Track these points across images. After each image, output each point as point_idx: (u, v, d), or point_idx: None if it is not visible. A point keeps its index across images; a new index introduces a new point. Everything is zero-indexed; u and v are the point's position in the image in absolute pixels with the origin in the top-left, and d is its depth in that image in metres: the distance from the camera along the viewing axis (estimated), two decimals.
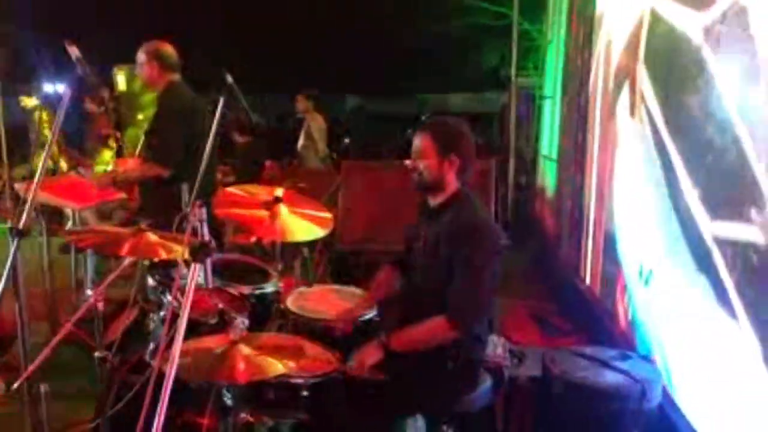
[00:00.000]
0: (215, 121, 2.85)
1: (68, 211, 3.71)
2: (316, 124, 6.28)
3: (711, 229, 2.31)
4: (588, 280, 4.16)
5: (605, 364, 2.47)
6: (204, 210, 1.64)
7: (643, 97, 3.16)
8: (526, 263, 6.04)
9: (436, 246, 2.23)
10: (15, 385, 1.74)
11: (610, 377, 2.40)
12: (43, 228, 3.51)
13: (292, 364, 1.77)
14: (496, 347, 3.02)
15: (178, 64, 3.40)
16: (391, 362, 2.12)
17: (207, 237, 1.59)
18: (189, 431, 2.20)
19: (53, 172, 6.69)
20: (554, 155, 5.71)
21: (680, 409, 2.45)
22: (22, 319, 1.96)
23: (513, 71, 7.98)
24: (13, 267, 1.93)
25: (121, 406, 2.11)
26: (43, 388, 2.42)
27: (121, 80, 7.68)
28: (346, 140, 12.40)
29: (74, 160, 4.94)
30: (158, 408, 1.42)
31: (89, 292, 4.40)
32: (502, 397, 2.83)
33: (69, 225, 3.80)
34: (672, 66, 2.83)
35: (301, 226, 2.56)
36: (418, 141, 2.25)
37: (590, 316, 3.86)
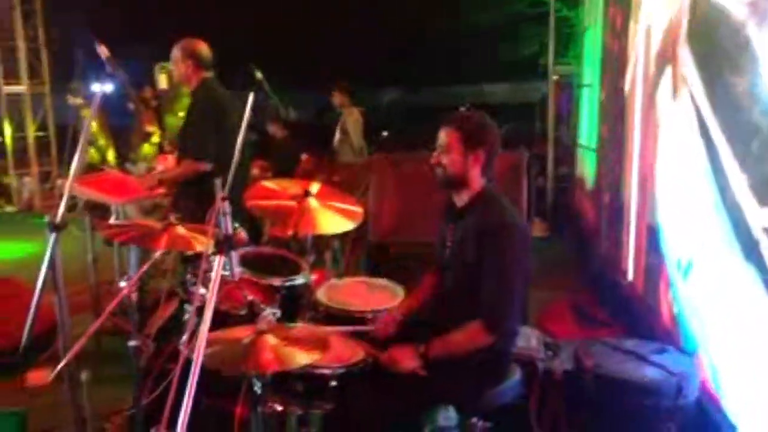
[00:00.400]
0: (245, 117, 2.90)
1: (112, 206, 3.82)
2: (352, 118, 6.29)
3: (760, 217, 2.21)
4: (630, 274, 4.05)
5: (640, 358, 2.41)
6: (228, 204, 1.65)
7: (685, 81, 3.04)
8: (565, 254, 5.95)
9: (462, 247, 2.21)
10: (53, 373, 1.81)
11: (645, 371, 2.33)
12: (87, 222, 3.63)
13: (318, 354, 1.78)
14: (529, 340, 2.99)
15: (211, 62, 3.47)
16: None
17: (230, 230, 1.61)
18: (223, 419, 2.26)
19: (100, 166, 6.94)
20: (593, 145, 5.59)
21: (720, 406, 2.37)
22: (62, 310, 2.02)
23: (550, 59, 7.84)
24: (52, 260, 1.99)
25: (157, 394, 2.18)
26: (84, 375, 2.53)
27: (162, 78, 7.89)
28: (384, 133, 12.43)
29: (120, 155, 5.10)
30: (185, 396, 1.46)
31: (122, 284, 4.55)
32: (536, 390, 2.80)
33: (112, 219, 3.92)
34: (715, 46, 2.70)
35: (331, 219, 2.59)
36: (443, 135, 2.21)
37: (630, 307, 3.76)
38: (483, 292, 2.10)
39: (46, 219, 1.99)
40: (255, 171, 6.00)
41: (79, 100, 7.28)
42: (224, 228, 1.62)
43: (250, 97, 2.91)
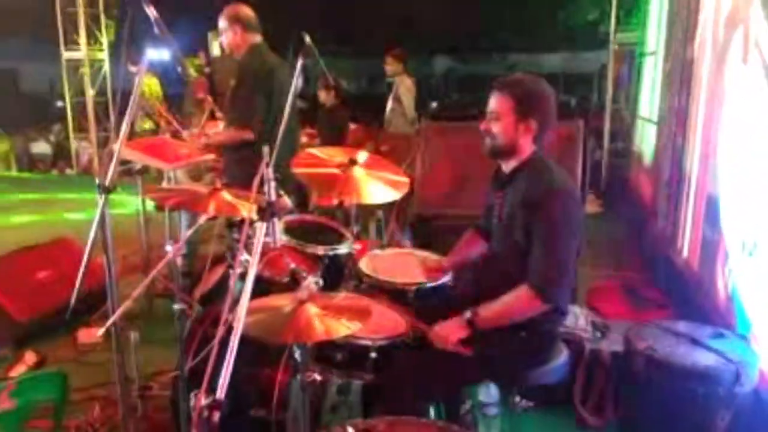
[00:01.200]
0: (293, 84, 2.86)
1: (164, 171, 3.88)
2: (405, 86, 6.18)
3: None
4: (685, 252, 3.88)
5: (696, 342, 2.29)
6: (272, 170, 1.62)
7: (757, 44, 2.84)
8: (619, 232, 5.76)
9: (511, 213, 2.12)
10: (100, 332, 1.84)
11: (700, 357, 2.22)
12: (140, 186, 3.70)
13: (359, 325, 1.75)
14: (577, 319, 2.90)
15: (258, 26, 3.43)
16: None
17: (274, 197, 1.58)
18: (265, 385, 2.29)
19: (154, 132, 7.08)
20: (654, 117, 5.32)
21: None
22: (111, 270, 2.06)
23: (612, 26, 7.49)
24: (102, 221, 2.03)
25: (201, 358, 2.21)
26: (133, 336, 2.60)
27: (216, 45, 7.93)
28: (434, 104, 12.25)
29: (173, 123, 5.17)
30: (225, 362, 1.46)
31: (168, 248, 4.65)
32: (582, 370, 2.72)
33: (164, 183, 3.99)
34: None
35: (376, 189, 2.54)
36: (495, 101, 2.10)
37: (685, 289, 3.60)
38: (532, 259, 2.02)
39: (97, 181, 2.02)
40: (303, 138, 6.01)
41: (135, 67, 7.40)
42: (267, 195, 1.59)
43: (299, 64, 2.87)
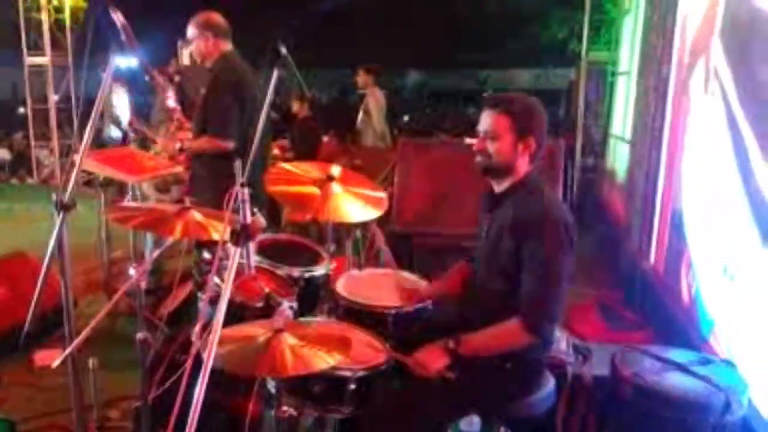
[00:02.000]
0: (267, 95, 2.75)
1: (128, 184, 3.71)
2: (374, 100, 6.11)
3: None
4: (659, 271, 3.90)
5: (683, 369, 2.23)
6: (246, 189, 1.51)
7: (716, 73, 2.89)
8: (591, 250, 5.74)
9: (499, 235, 2.04)
10: (57, 362, 1.69)
11: (689, 384, 2.16)
12: (102, 200, 3.53)
13: (339, 357, 1.65)
14: (559, 342, 2.82)
15: (229, 33, 3.31)
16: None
17: (249, 219, 1.47)
18: (233, 418, 2.14)
19: (123, 143, 6.86)
20: (627, 136, 5.35)
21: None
22: (67, 293, 1.91)
23: (584, 44, 7.56)
24: (59, 240, 1.88)
25: (168, 386, 2.06)
26: (91, 362, 2.43)
27: (186, 53, 7.75)
28: (406, 117, 12.22)
29: (141, 132, 4.99)
30: (195, 394, 1.33)
31: (132, 271, 4.46)
32: (565, 396, 2.64)
33: (128, 198, 3.81)
34: (747, 39, 2.59)
35: (355, 207, 2.44)
36: (491, 120, 2.01)
37: (657, 306, 3.61)
38: (524, 289, 1.94)
39: (53, 198, 1.87)
40: (275, 151, 5.88)
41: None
42: (242, 216, 1.48)
43: (274, 74, 2.75)
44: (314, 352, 1.59)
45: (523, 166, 2.05)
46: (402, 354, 2.00)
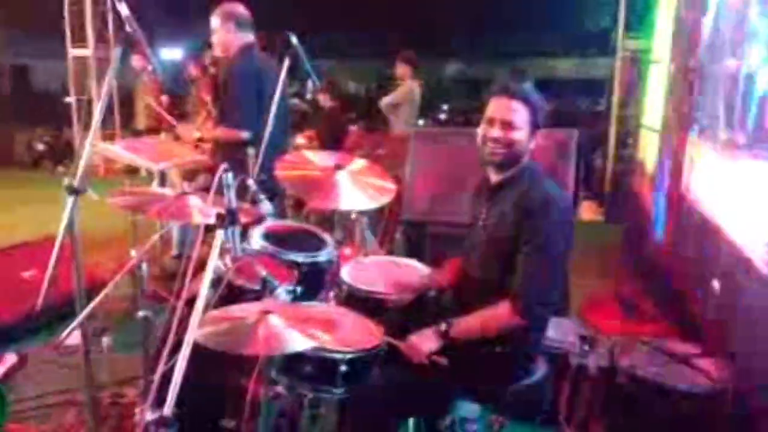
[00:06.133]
0: (279, 85, 2.82)
1: (154, 170, 3.84)
2: (403, 89, 6.10)
3: None
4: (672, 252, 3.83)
5: (682, 361, 2.21)
6: (230, 176, 1.57)
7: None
8: (618, 241, 5.66)
9: (499, 224, 2.05)
10: (63, 335, 1.80)
11: (686, 376, 2.14)
12: (125, 187, 3.66)
13: (325, 338, 1.70)
14: (565, 332, 2.82)
15: (252, 24, 3.37)
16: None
17: (234, 203, 1.53)
18: (236, 395, 2.23)
19: (155, 131, 7.07)
20: (657, 126, 5.22)
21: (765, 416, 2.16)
22: (79, 274, 2.01)
23: (620, 33, 7.39)
24: (70, 224, 1.98)
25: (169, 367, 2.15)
26: (105, 341, 2.56)
27: None
28: (444, 107, 12.17)
29: (165, 122, 5.14)
30: (176, 373, 1.41)
31: (174, 251, 4.62)
32: (567, 386, 2.65)
33: (154, 184, 3.95)
34: None
35: (359, 195, 2.49)
36: (511, 110, 2.00)
37: (676, 301, 3.53)
38: (517, 272, 1.96)
39: (64, 182, 1.98)
40: (302, 140, 5.97)
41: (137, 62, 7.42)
42: (227, 200, 1.54)
43: (285, 64, 2.82)
44: (301, 331, 1.64)
45: (527, 157, 2.07)
46: (396, 338, 2.04)
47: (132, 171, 3.89)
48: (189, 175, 4.53)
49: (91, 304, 1.80)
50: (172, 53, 12.37)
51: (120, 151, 3.38)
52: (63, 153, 10.34)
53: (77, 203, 2.00)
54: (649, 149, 5.68)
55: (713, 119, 3.50)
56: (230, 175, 1.55)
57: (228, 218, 1.50)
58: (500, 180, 2.11)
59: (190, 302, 2.94)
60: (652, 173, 5.25)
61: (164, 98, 7.77)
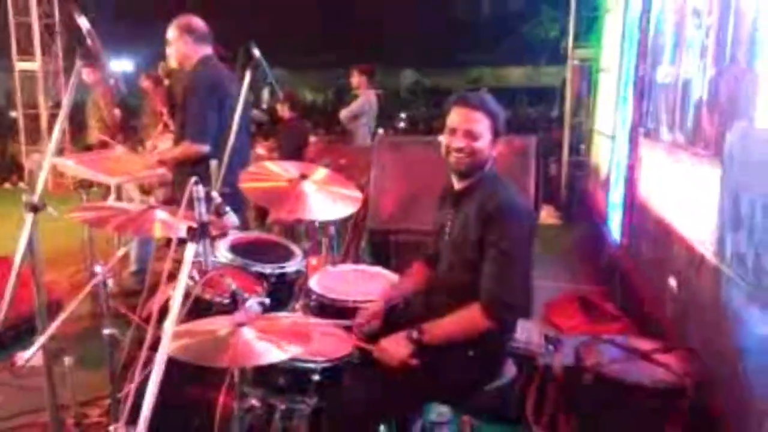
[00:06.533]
0: (241, 96, 2.80)
1: (111, 186, 3.75)
2: (362, 101, 6.14)
3: None
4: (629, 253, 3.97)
5: (645, 357, 2.29)
6: (201, 188, 1.56)
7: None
8: (576, 244, 5.81)
9: (464, 230, 2.09)
10: (27, 355, 1.74)
11: (648, 371, 2.22)
12: (84, 202, 3.58)
13: (298, 348, 1.70)
14: (531, 334, 2.88)
15: (209, 37, 3.35)
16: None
17: (205, 216, 1.52)
18: (205, 408, 2.20)
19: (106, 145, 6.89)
20: (609, 131, 5.41)
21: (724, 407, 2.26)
22: (40, 292, 1.96)
23: (570, 42, 7.63)
24: (29, 242, 1.93)
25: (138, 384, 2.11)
26: (66, 360, 2.48)
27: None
28: (402, 115, 12.28)
29: (113, 136, 5.04)
30: (149, 386, 1.39)
31: (133, 267, 4.52)
32: (535, 385, 2.70)
33: (111, 198, 3.86)
34: None
35: (326, 205, 2.49)
36: (472, 119, 2.05)
37: (635, 300, 3.66)
38: (484, 276, 2.00)
39: (24, 199, 1.92)
40: (262, 151, 5.93)
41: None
42: (198, 214, 1.53)
43: (247, 76, 2.80)
44: (272, 344, 1.64)
45: (490, 163, 2.13)
46: (368, 345, 2.05)
47: (84, 186, 3.78)
48: (147, 188, 4.46)
49: (55, 323, 1.75)
50: (121, 65, 12.14)
51: (76, 165, 3.30)
52: (9, 168, 9.99)
53: (37, 220, 1.94)
54: (601, 154, 5.87)
55: (658, 123, 3.68)
56: (201, 187, 1.54)
57: (200, 231, 1.49)
58: (463, 187, 2.16)
59: (156, 318, 2.90)
60: (606, 176, 5.43)
61: (116, 111, 7.61)
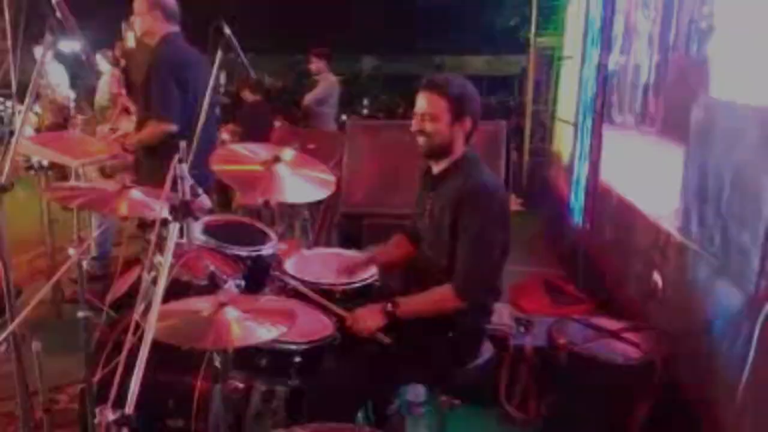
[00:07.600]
0: (212, 77, 2.74)
1: (71, 169, 3.62)
2: (325, 85, 6.10)
3: None
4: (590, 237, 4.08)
5: (614, 335, 2.37)
6: (185, 167, 1.52)
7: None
8: (538, 229, 5.92)
9: (441, 213, 2.12)
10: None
11: (617, 349, 2.30)
12: (43, 184, 3.45)
13: (283, 328, 1.68)
14: (502, 315, 2.94)
15: (178, 15, 3.26)
16: (393, 327, 2.04)
17: (188, 195, 1.48)
18: (183, 393, 2.17)
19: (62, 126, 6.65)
20: (571, 119, 5.52)
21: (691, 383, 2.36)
22: (8, 276, 1.89)
23: (533, 31, 7.71)
24: None
25: (110, 368, 2.06)
26: (34, 346, 2.40)
27: (130, 36, 7.53)
28: (365, 101, 12.23)
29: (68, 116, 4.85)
30: (136, 371, 1.36)
31: (72, 251, 4.37)
32: (507, 366, 2.76)
33: (71, 181, 3.73)
34: None
35: (301, 188, 2.46)
36: (427, 102, 2.08)
37: (598, 282, 3.77)
38: (458, 258, 2.04)
39: None
40: (225, 135, 5.82)
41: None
42: (181, 193, 1.49)
43: (218, 55, 2.74)
44: (257, 324, 1.62)
45: (459, 146, 2.14)
46: (341, 311, 2.06)
47: (46, 168, 3.65)
48: (109, 171, 4.32)
49: (26, 309, 1.69)
50: (70, 45, 11.68)
51: (35, 146, 3.17)
52: None
53: (2, 202, 1.87)
54: (564, 140, 5.98)
55: (613, 106, 3.81)
56: (184, 166, 1.50)
57: (182, 211, 1.46)
58: (440, 170, 2.18)
59: (119, 303, 2.84)
60: (568, 162, 5.54)
61: (69, 92, 7.35)
